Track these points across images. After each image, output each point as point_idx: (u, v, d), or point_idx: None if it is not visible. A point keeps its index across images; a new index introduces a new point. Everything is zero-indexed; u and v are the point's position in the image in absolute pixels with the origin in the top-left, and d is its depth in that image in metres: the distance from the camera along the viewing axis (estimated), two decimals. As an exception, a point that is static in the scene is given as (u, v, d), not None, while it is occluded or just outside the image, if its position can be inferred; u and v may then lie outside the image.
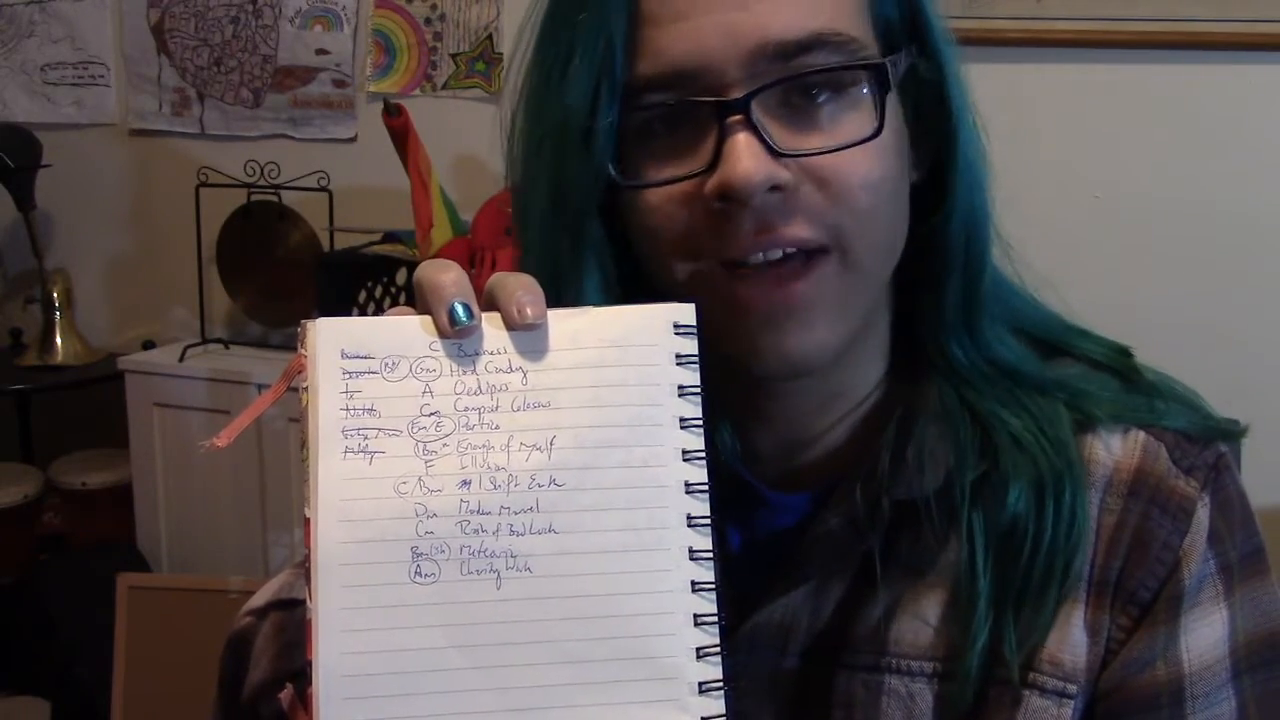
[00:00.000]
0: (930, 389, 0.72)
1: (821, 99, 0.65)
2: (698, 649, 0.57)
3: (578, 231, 0.68)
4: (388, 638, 0.55)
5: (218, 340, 2.51)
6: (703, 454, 0.58)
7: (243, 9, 2.57)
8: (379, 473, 0.56)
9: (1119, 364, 0.75)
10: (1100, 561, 0.70)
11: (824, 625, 0.72)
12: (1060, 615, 0.69)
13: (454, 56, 2.45)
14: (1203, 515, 0.70)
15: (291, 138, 2.57)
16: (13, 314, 2.79)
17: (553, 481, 0.57)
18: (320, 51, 2.53)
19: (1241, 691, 0.70)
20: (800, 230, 0.65)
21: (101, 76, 2.71)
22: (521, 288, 0.58)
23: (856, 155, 0.65)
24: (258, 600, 0.77)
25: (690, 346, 0.59)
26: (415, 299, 0.60)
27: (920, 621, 0.70)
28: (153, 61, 2.66)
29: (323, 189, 2.38)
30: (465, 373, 0.58)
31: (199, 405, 2.34)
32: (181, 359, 2.40)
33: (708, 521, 0.58)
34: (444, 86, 2.46)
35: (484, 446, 0.57)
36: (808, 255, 0.65)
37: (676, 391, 0.58)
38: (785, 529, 0.74)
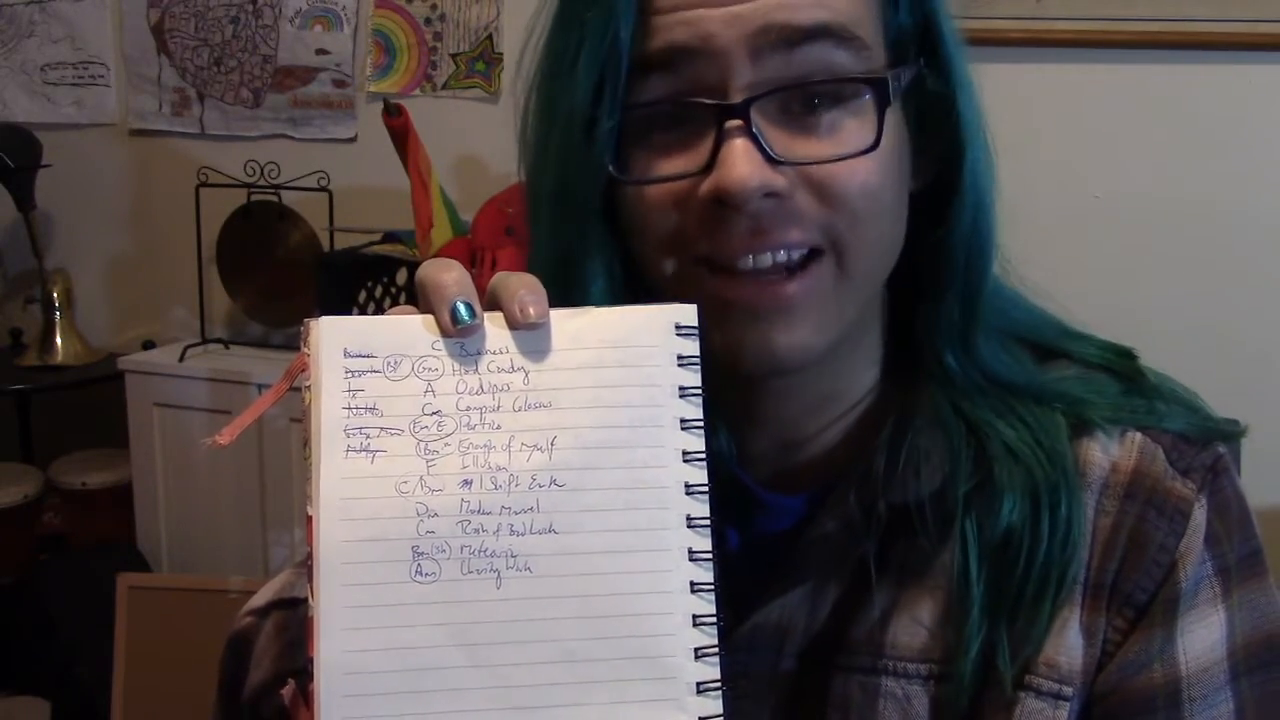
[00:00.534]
0: (926, 396, 0.72)
1: (822, 106, 0.65)
2: (696, 649, 0.57)
3: (582, 224, 0.68)
4: (389, 636, 0.55)
5: (218, 340, 2.51)
6: (703, 455, 0.58)
7: (243, 9, 2.57)
8: (380, 472, 0.56)
9: (1121, 366, 0.75)
10: (1096, 564, 0.70)
11: (821, 627, 0.72)
12: (1056, 618, 0.69)
13: (454, 56, 2.45)
14: (1199, 517, 0.70)
15: (291, 138, 2.57)
16: (13, 314, 2.79)
17: (553, 482, 0.57)
18: (320, 51, 2.53)
19: (1240, 694, 0.69)
20: (793, 234, 0.65)
21: (101, 76, 2.72)
22: (524, 287, 0.58)
23: (856, 162, 0.64)
24: (259, 600, 0.77)
25: (692, 348, 0.59)
26: (418, 298, 0.60)
27: (916, 624, 0.70)
28: (153, 61, 2.66)
29: (323, 189, 2.38)
30: (467, 372, 0.58)
31: (199, 405, 2.34)
32: (181, 359, 2.40)
33: (707, 523, 0.58)
34: (444, 86, 2.46)
35: (485, 446, 0.57)
36: (802, 259, 0.65)
37: (678, 392, 0.58)
38: (782, 531, 0.74)
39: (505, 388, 0.58)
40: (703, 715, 0.56)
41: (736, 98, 0.63)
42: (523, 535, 0.56)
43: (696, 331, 0.59)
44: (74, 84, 2.73)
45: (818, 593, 0.72)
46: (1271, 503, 1.79)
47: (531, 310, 0.58)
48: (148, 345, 2.57)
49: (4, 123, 2.66)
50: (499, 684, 0.56)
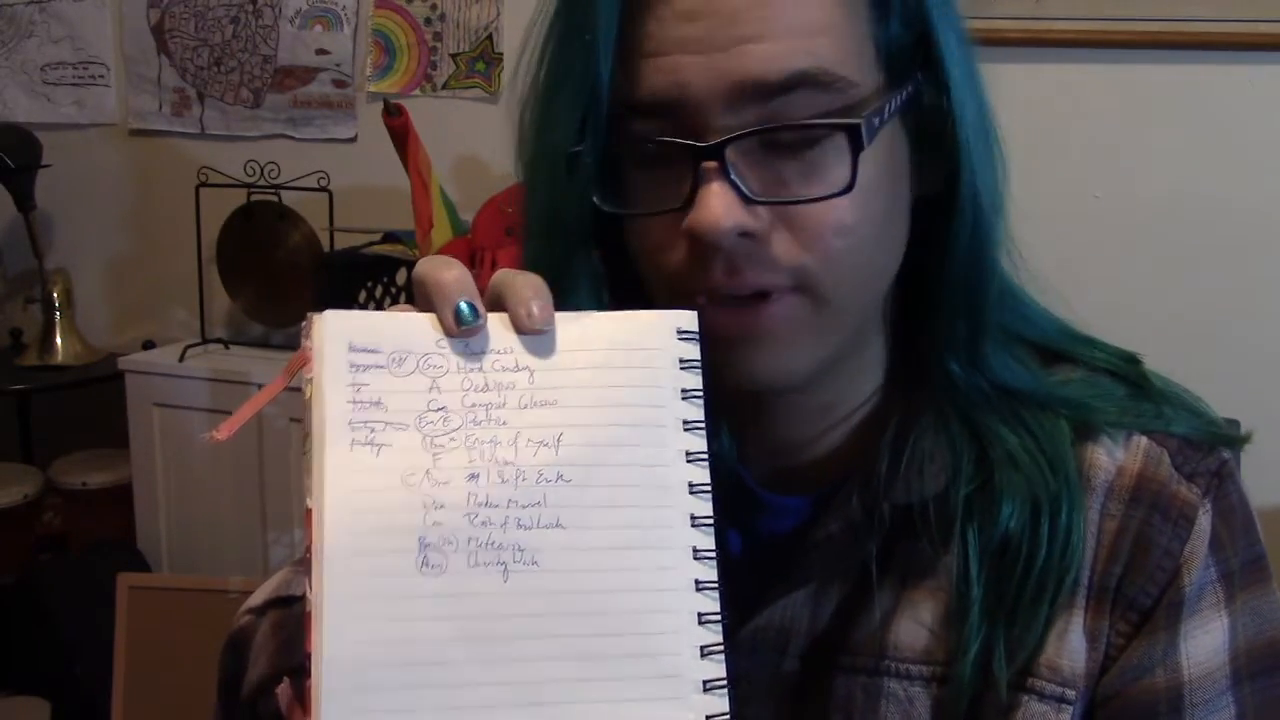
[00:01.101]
0: (930, 401, 0.72)
1: (798, 147, 0.64)
2: (702, 647, 0.57)
3: (568, 246, 0.69)
4: (393, 628, 0.55)
5: (218, 340, 2.51)
6: (705, 455, 0.58)
7: (243, 9, 2.57)
8: (386, 465, 0.56)
9: (1127, 371, 0.75)
10: (1101, 568, 0.70)
11: (823, 628, 0.72)
12: (1059, 621, 0.69)
13: (454, 56, 2.45)
14: (1204, 522, 0.70)
15: (291, 138, 2.57)
16: (13, 314, 2.79)
17: (560, 477, 0.57)
18: (320, 51, 2.53)
19: (1241, 699, 0.69)
20: (767, 278, 0.65)
21: (101, 76, 2.71)
22: (530, 290, 0.59)
23: (831, 202, 0.64)
24: (256, 599, 0.77)
25: (693, 351, 0.59)
26: (415, 295, 0.60)
27: (919, 626, 0.70)
28: (153, 61, 2.66)
29: (323, 189, 2.37)
30: (472, 370, 0.58)
31: (199, 405, 2.34)
32: (181, 359, 2.40)
33: (710, 522, 0.58)
34: (444, 86, 2.46)
35: (492, 442, 0.57)
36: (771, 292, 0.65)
37: (680, 394, 0.59)
38: (785, 532, 0.74)
39: (511, 386, 0.58)
40: (709, 713, 0.56)
41: (712, 139, 0.63)
42: (530, 529, 0.56)
43: (697, 335, 0.60)
44: (74, 84, 2.73)
45: (821, 594, 0.72)
46: (1272, 503, 1.79)
47: (538, 314, 0.58)
48: (148, 345, 2.57)
49: (4, 123, 2.66)
50: (503, 679, 0.55)
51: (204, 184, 2.44)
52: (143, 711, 2.15)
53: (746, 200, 0.63)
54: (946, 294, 0.70)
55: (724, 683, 0.57)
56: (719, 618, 0.57)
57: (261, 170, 2.41)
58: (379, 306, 2.29)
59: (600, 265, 0.69)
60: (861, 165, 0.63)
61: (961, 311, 0.70)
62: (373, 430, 0.57)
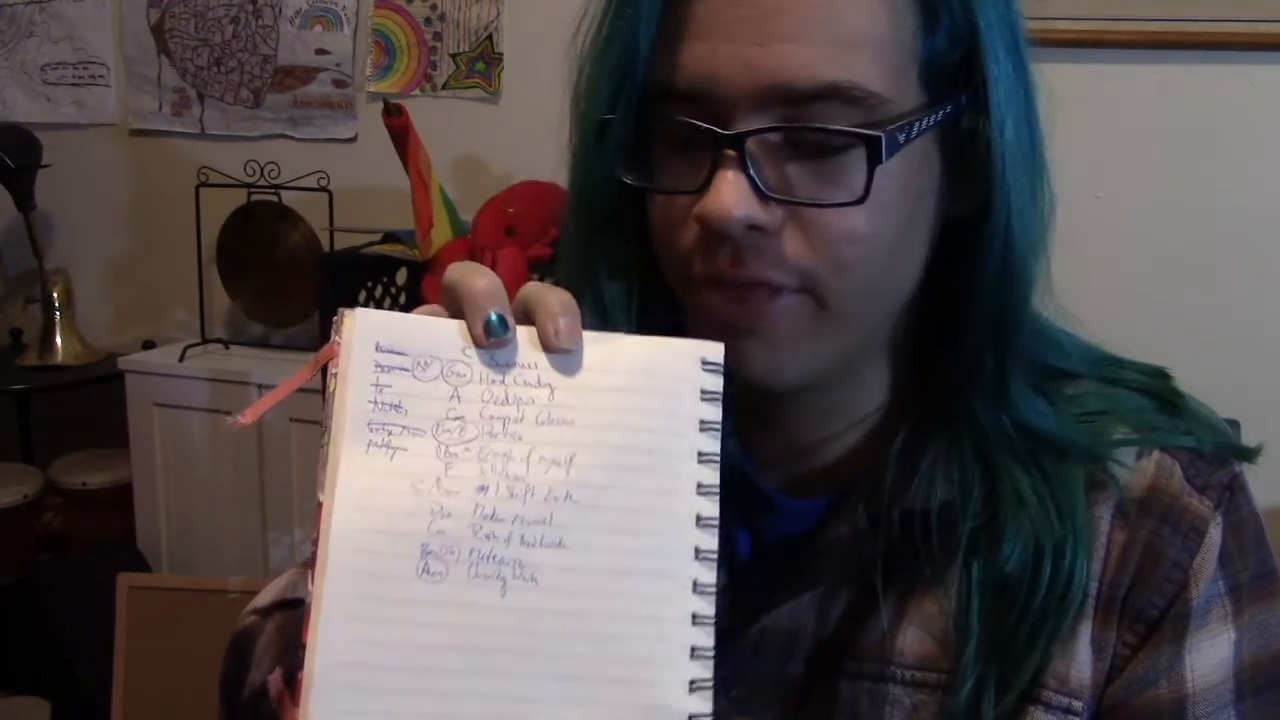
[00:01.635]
0: (946, 428, 0.71)
1: (819, 152, 0.64)
2: (691, 681, 0.57)
3: (596, 218, 0.70)
4: (389, 630, 0.55)
5: (218, 340, 2.51)
6: (716, 490, 0.58)
7: (243, 9, 2.57)
8: (399, 469, 0.57)
9: (1154, 386, 0.75)
10: (1109, 578, 0.69)
11: (830, 633, 0.72)
12: (1067, 633, 0.69)
13: (454, 56, 2.45)
14: (1215, 535, 0.70)
15: (291, 138, 2.57)
16: (13, 314, 2.79)
17: (569, 497, 0.57)
18: (320, 51, 2.53)
19: (1244, 714, 0.69)
20: (771, 273, 0.65)
21: (101, 76, 2.71)
22: (559, 306, 0.59)
23: (844, 210, 0.64)
24: (262, 599, 0.77)
25: (716, 383, 0.59)
26: (444, 299, 0.60)
27: (925, 633, 0.70)
28: (153, 61, 2.66)
29: (323, 189, 2.37)
30: (494, 382, 0.58)
31: (199, 405, 2.34)
32: (181, 359, 2.40)
33: (715, 556, 0.58)
34: (444, 86, 2.46)
35: (504, 455, 0.57)
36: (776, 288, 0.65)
37: (698, 426, 0.59)
38: (794, 535, 0.74)
39: (530, 401, 0.58)
40: None
41: (737, 127, 0.63)
42: (533, 546, 0.56)
43: (721, 368, 0.60)
44: (74, 84, 2.73)
45: (828, 598, 0.72)
46: (1272, 503, 1.79)
47: (565, 334, 0.58)
48: (148, 345, 2.57)
49: (4, 123, 2.66)
50: (490, 692, 0.55)
51: (204, 184, 2.44)
52: (143, 711, 2.15)
53: (760, 194, 0.64)
54: (972, 326, 0.69)
55: (708, 718, 0.56)
56: (711, 654, 0.57)
57: (261, 170, 2.41)
58: (379, 306, 2.29)
59: (624, 239, 0.70)
60: (879, 178, 0.63)
61: (989, 346, 0.69)
62: (390, 433, 0.57)
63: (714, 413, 0.59)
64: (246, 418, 0.59)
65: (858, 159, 0.63)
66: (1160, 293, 2.08)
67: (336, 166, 2.42)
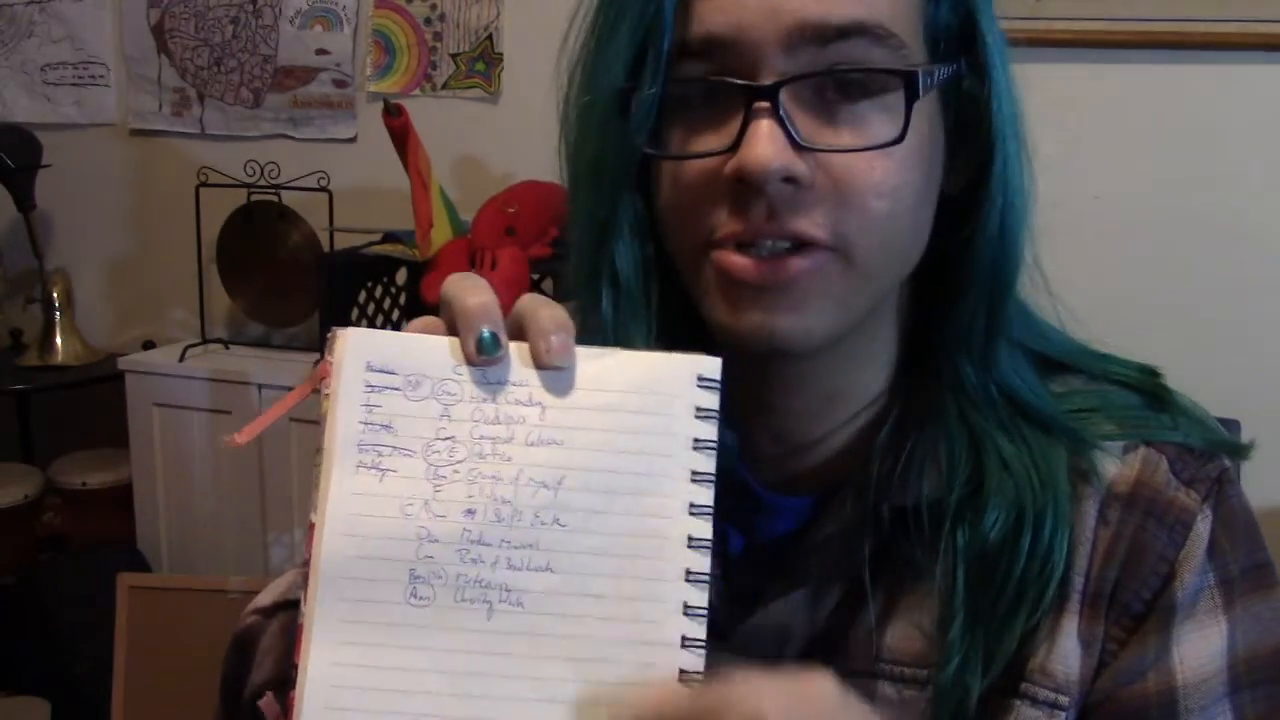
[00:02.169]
0: (934, 401, 0.72)
1: (851, 96, 0.65)
2: None
3: (615, 197, 0.69)
4: (376, 654, 0.56)
5: (218, 340, 2.51)
6: (709, 509, 0.58)
7: (243, 9, 2.57)
8: (388, 491, 0.57)
9: (1143, 383, 0.75)
10: (1095, 573, 0.70)
11: (819, 630, 0.72)
12: (1053, 626, 0.69)
13: (454, 56, 2.45)
14: (1202, 528, 0.70)
15: (291, 138, 2.57)
16: (13, 314, 2.79)
17: (556, 521, 0.57)
18: (320, 51, 2.53)
19: (1240, 707, 0.69)
20: (805, 226, 0.65)
21: (101, 76, 2.71)
22: (554, 324, 0.58)
23: (876, 159, 0.64)
24: (263, 599, 0.77)
25: (711, 401, 0.59)
26: (441, 312, 0.60)
27: (914, 629, 0.70)
28: (153, 61, 2.66)
29: (323, 189, 2.37)
30: (485, 401, 0.58)
31: (199, 405, 2.34)
32: (181, 359, 2.40)
33: (706, 578, 0.57)
34: (444, 86, 2.46)
35: (493, 478, 0.57)
36: (807, 245, 0.65)
37: (691, 445, 0.58)
38: (785, 533, 0.74)
39: (520, 420, 0.58)
40: None
41: (767, 81, 0.64)
42: (519, 570, 0.56)
43: (718, 385, 0.59)
44: (74, 84, 2.73)
45: (818, 595, 0.72)
46: (1272, 503, 1.79)
47: (557, 351, 0.58)
48: (148, 345, 2.57)
49: (4, 123, 2.66)
50: (475, 716, 0.55)
51: (204, 184, 2.44)
52: (143, 711, 2.15)
53: (796, 145, 0.64)
54: (966, 291, 0.70)
55: None
56: (700, 678, 0.56)
57: (261, 170, 2.41)
58: (379, 306, 2.30)
59: (644, 211, 0.70)
60: (913, 120, 0.64)
61: (982, 307, 0.70)
62: (380, 454, 0.57)
63: (709, 431, 0.58)
64: (242, 437, 0.59)
65: (887, 105, 0.65)
66: (1160, 293, 2.08)
67: (336, 166, 2.42)
